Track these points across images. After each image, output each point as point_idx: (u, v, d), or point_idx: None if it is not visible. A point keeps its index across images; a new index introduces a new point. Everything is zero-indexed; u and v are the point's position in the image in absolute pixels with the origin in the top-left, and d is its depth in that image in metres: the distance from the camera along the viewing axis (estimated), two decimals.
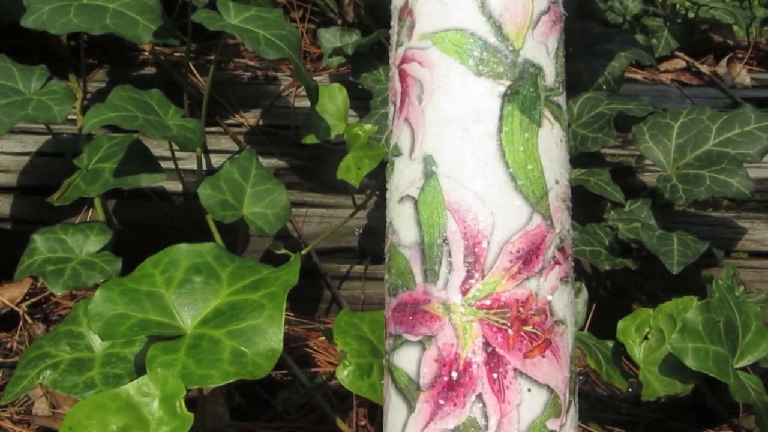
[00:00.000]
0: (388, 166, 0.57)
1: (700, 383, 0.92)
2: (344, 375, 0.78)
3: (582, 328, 1.06)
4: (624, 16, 1.55)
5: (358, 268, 1.15)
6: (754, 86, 1.45)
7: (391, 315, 0.52)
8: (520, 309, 0.47)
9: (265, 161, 1.14)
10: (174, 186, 1.13)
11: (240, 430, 0.93)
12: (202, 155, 1.12)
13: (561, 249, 0.48)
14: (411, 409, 0.49)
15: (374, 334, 0.82)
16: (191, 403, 0.69)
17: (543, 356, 0.47)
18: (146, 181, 1.00)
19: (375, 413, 0.95)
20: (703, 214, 1.16)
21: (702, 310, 0.84)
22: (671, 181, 1.05)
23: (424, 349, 0.49)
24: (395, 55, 0.54)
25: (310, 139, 1.08)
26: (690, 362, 0.82)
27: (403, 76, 0.52)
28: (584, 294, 1.07)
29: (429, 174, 0.49)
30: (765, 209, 1.17)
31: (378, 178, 1.11)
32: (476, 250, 0.47)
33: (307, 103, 1.12)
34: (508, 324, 0.47)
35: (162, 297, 0.73)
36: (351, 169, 0.99)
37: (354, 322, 0.83)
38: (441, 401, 0.47)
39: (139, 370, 0.78)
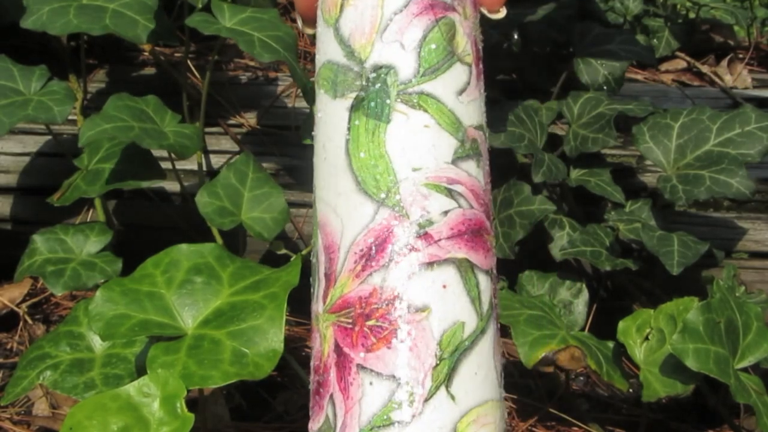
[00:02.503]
0: None
1: (701, 384, 0.92)
2: None
3: (583, 329, 1.06)
4: (624, 16, 1.55)
5: None
6: (755, 86, 1.45)
7: None
8: (363, 305, 0.48)
9: (265, 162, 1.14)
10: (174, 186, 1.13)
11: (240, 431, 0.93)
12: (203, 156, 1.12)
13: (423, 235, 0.49)
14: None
15: None
16: (192, 403, 0.69)
17: (389, 347, 0.47)
18: (146, 181, 1.00)
19: None
20: (704, 215, 1.16)
21: (703, 311, 0.84)
22: (671, 181, 1.05)
23: (311, 360, 0.51)
24: None
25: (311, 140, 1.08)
26: (691, 363, 0.81)
27: None
28: (585, 295, 1.06)
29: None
30: (766, 210, 1.17)
31: None
32: (331, 259, 0.49)
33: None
34: (353, 322, 0.48)
35: (163, 297, 0.73)
36: None
37: None
38: (313, 406, 0.50)
39: (140, 370, 0.78)
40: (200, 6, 1.03)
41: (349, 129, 0.50)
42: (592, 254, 1.03)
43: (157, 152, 1.05)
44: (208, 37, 1.35)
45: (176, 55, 1.31)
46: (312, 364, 0.50)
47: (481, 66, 0.54)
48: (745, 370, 0.86)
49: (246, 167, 1.02)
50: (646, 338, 0.91)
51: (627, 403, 1.05)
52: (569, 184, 1.12)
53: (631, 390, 1.03)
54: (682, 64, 1.52)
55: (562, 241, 1.07)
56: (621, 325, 0.92)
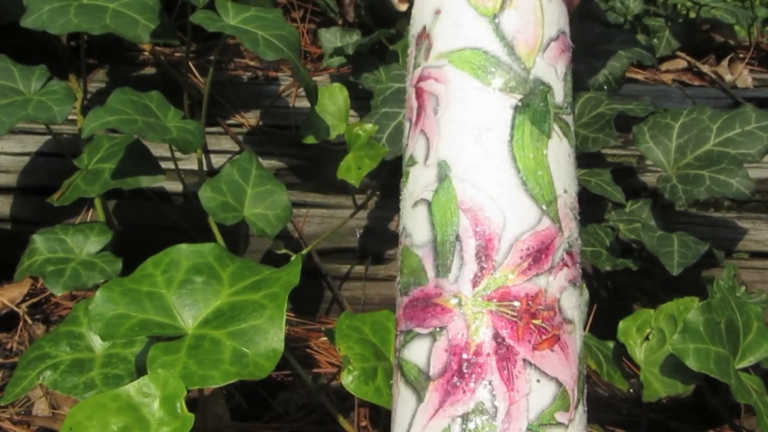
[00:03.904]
0: (402, 178, 0.62)
1: (701, 384, 0.92)
2: (349, 381, 0.78)
3: (583, 329, 1.06)
4: (625, 16, 1.55)
5: (359, 269, 1.15)
6: (756, 86, 1.45)
7: (402, 313, 0.54)
8: (530, 303, 0.49)
9: (266, 161, 1.14)
10: (174, 186, 1.13)
11: (240, 431, 0.93)
12: (203, 155, 1.12)
13: (569, 253, 0.51)
14: (420, 399, 0.50)
15: (376, 336, 0.81)
16: (192, 403, 0.69)
17: (552, 350, 0.49)
18: (146, 181, 1.00)
19: (376, 414, 0.95)
20: (705, 215, 1.16)
21: (703, 311, 0.84)
22: (671, 181, 1.05)
23: (434, 340, 0.51)
24: (412, 76, 0.59)
25: (311, 140, 1.08)
26: (691, 363, 0.81)
27: (419, 92, 0.57)
28: (585, 294, 1.06)
29: (443, 177, 0.53)
30: (766, 210, 1.17)
31: (378, 179, 1.11)
32: (487, 245, 0.50)
33: (307, 103, 1.12)
34: (518, 316, 0.49)
35: (163, 297, 0.73)
36: (351, 169, 0.99)
37: (355, 325, 0.82)
38: (450, 388, 0.49)
39: (140, 370, 0.78)
40: (201, 5, 1.03)
41: (513, 127, 0.52)
42: (592, 254, 1.03)
43: (157, 152, 1.05)
44: (209, 37, 1.35)
45: (176, 54, 1.31)
46: (445, 344, 0.50)
47: None
48: (745, 370, 0.86)
49: (249, 164, 1.02)
50: (647, 338, 0.91)
51: (627, 403, 1.05)
52: None
53: (631, 390, 1.02)
54: (683, 64, 1.52)
55: None
56: (621, 325, 0.92)
